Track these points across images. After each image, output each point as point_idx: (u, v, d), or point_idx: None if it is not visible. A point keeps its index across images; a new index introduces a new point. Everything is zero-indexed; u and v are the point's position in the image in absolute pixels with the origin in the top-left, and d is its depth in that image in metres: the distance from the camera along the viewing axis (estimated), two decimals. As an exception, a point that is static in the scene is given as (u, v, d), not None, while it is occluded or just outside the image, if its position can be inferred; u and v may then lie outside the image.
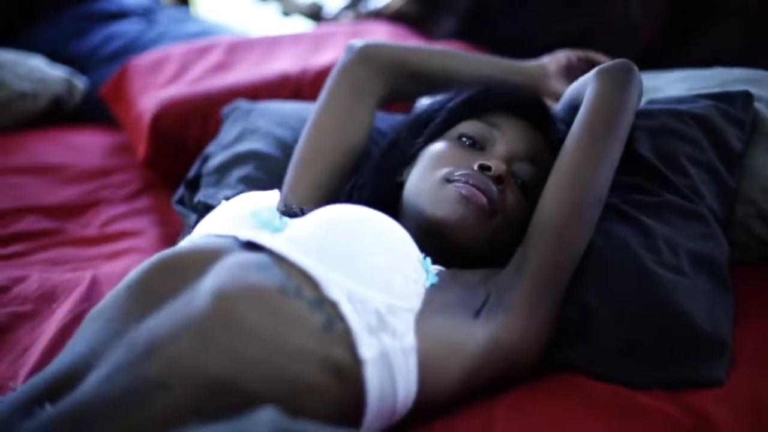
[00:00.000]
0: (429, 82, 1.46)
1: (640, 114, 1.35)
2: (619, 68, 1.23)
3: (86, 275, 1.59)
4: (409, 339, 1.00)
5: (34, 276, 1.60)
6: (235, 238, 1.08)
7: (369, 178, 1.32)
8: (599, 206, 1.17)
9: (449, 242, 1.18)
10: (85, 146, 2.25)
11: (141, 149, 1.96)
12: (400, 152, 1.30)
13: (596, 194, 1.16)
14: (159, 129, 1.91)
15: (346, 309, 0.98)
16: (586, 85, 1.25)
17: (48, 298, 1.53)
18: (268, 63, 2.16)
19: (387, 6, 2.61)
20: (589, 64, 1.49)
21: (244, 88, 1.98)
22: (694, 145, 1.33)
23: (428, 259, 1.11)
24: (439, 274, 1.13)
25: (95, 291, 1.54)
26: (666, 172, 1.29)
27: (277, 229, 1.09)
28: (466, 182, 1.17)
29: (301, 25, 2.90)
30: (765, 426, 1.04)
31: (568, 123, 1.24)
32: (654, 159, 1.31)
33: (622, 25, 2.17)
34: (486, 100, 1.29)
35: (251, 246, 1.06)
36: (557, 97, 1.44)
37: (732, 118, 1.37)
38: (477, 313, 1.09)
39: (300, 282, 0.99)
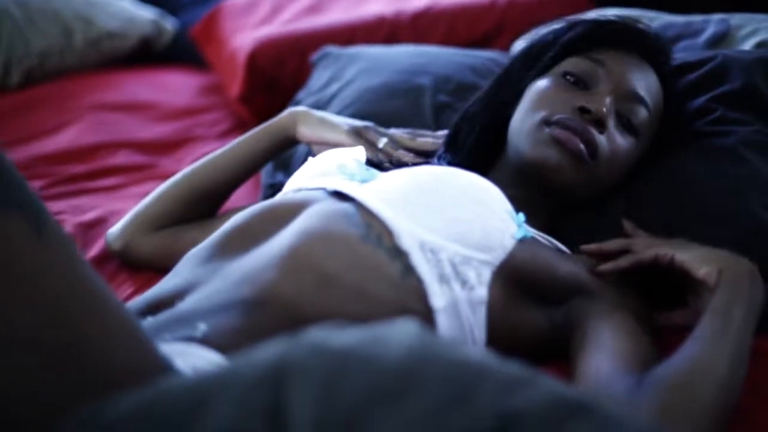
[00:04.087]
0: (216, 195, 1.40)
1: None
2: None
3: (183, 209, 1.59)
4: (480, 292, 0.99)
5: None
6: (324, 189, 1.10)
7: (479, 109, 1.29)
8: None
9: (547, 184, 1.16)
10: (175, 86, 2.27)
11: (235, 87, 1.96)
12: (511, 85, 1.27)
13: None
14: (255, 66, 1.91)
15: (417, 258, 0.98)
16: None
17: (146, 231, 1.53)
18: (361, 6, 2.13)
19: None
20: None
21: (340, 30, 1.97)
22: None
23: (521, 214, 1.08)
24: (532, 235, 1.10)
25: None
26: None
27: (364, 180, 1.10)
28: (564, 127, 1.13)
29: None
30: None
31: None
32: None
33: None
34: (592, 35, 1.24)
35: (340, 196, 1.07)
36: (308, 141, 1.36)
37: None
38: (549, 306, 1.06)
39: (380, 231, 1.00)
